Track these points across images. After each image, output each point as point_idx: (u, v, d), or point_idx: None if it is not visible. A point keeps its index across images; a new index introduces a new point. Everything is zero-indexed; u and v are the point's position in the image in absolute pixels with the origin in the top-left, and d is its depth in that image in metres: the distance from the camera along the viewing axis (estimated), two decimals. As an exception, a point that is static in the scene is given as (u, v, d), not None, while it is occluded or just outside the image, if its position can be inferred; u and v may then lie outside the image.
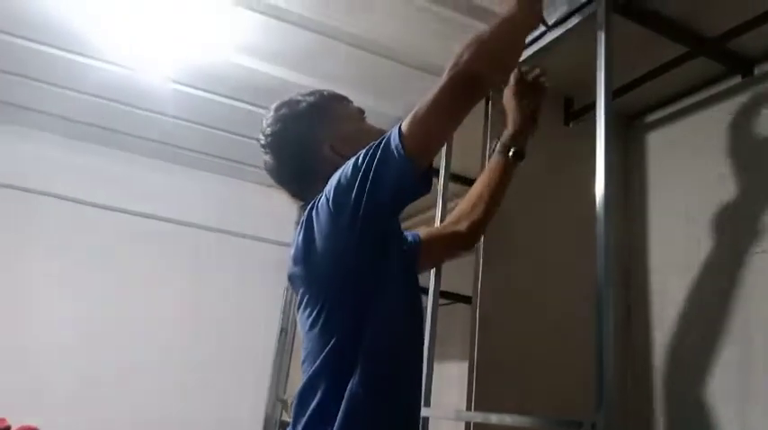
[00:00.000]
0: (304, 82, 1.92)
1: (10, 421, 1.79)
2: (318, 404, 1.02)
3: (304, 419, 1.03)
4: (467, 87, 1.02)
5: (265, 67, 1.98)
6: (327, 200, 1.06)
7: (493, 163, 1.47)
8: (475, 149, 1.79)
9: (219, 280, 2.93)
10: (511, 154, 1.44)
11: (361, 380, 1.01)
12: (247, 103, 2.24)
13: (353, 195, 1.01)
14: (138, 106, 2.38)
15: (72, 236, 2.69)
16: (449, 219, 1.48)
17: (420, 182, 1.02)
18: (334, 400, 1.01)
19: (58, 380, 2.49)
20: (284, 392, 2.79)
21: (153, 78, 2.17)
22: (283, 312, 2.96)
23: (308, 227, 1.10)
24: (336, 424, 0.98)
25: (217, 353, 2.84)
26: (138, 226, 2.80)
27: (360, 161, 1.03)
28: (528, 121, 1.48)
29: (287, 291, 2.98)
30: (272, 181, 3.01)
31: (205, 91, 2.21)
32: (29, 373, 2.44)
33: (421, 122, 1.00)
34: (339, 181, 1.05)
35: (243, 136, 2.52)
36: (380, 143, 1.02)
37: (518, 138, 1.46)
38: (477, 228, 1.44)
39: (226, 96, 2.23)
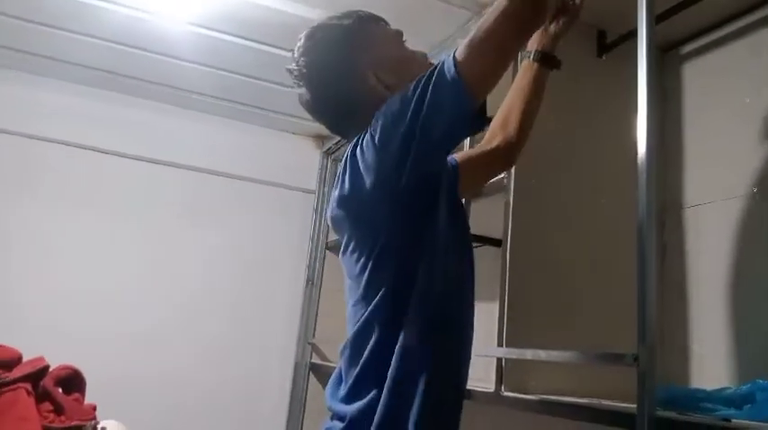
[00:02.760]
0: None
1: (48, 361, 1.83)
2: (373, 350, 1.00)
3: (359, 364, 1.02)
4: (531, 6, 0.94)
5: (288, 5, 1.92)
6: (373, 137, 0.99)
7: (520, 70, 1.37)
8: (501, 85, 1.73)
9: (245, 228, 2.94)
10: (532, 57, 1.34)
11: (415, 323, 0.98)
12: (270, 45, 2.18)
13: (404, 131, 0.94)
14: (155, 51, 2.33)
15: (97, 186, 2.70)
16: (484, 138, 1.37)
17: (477, 115, 0.97)
18: (389, 345, 0.98)
19: (91, 324, 2.54)
20: (313, 336, 2.83)
21: (169, 22, 2.11)
22: (309, 262, 2.97)
23: (353, 166, 1.03)
24: (392, 367, 0.97)
25: (245, 300, 2.88)
26: (159, 174, 2.81)
27: (410, 94, 0.96)
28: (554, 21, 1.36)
29: (313, 238, 2.99)
30: (295, 128, 3.02)
31: (225, 33, 2.15)
32: (62, 317, 2.49)
33: (480, 49, 0.92)
34: (386, 116, 0.98)
35: (265, 80, 2.49)
36: (433, 73, 0.94)
37: (541, 40, 1.35)
38: (513, 142, 1.31)
39: (247, 39, 2.17)
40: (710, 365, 1.52)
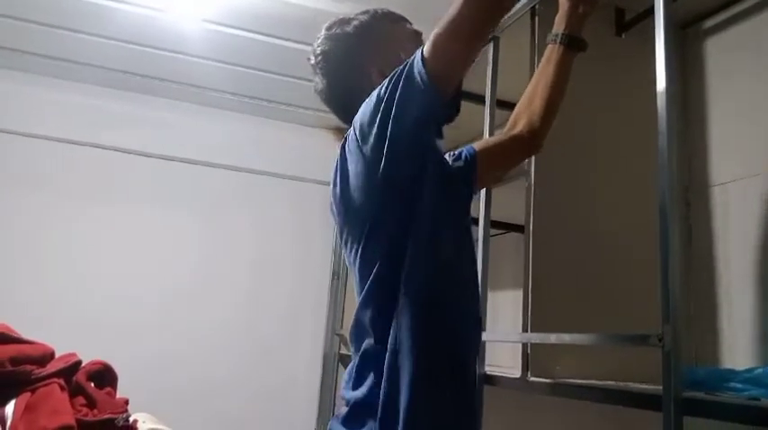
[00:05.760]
0: (345, 10, 1.84)
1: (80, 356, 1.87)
2: (368, 336, 1.03)
3: (360, 350, 1.05)
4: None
5: (302, -2, 1.92)
6: (355, 131, 1.04)
7: (546, 53, 1.35)
8: (522, 72, 1.72)
9: (269, 223, 2.96)
10: (559, 40, 1.32)
11: (405, 305, 1.00)
12: (285, 39, 2.18)
13: (377, 127, 0.98)
14: (170, 49, 2.33)
15: (117, 185, 2.74)
16: (507, 125, 1.37)
17: (446, 107, 0.99)
18: (382, 330, 1.00)
19: (120, 315, 2.60)
20: (341, 327, 2.85)
21: (183, 19, 2.11)
22: (334, 255, 2.99)
23: (343, 161, 1.09)
24: (387, 352, 0.98)
25: (274, 294, 2.90)
26: (179, 173, 2.83)
27: (383, 91, 1.00)
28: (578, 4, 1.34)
29: (335, 234, 3.00)
30: (314, 121, 3.02)
31: (239, 29, 2.15)
32: (95, 314, 2.55)
33: (443, 44, 0.94)
34: (364, 112, 1.02)
35: (282, 74, 2.49)
36: (403, 70, 0.98)
37: (569, 22, 1.33)
38: (537, 128, 1.30)
39: (262, 33, 2.17)
40: (741, 345, 1.49)
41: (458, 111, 1.14)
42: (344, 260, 2.84)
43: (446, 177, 1.13)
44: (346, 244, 1.11)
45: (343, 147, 1.09)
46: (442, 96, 0.97)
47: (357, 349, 1.07)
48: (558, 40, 1.32)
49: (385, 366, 0.98)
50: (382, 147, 0.98)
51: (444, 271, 1.06)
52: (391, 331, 0.99)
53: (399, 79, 0.98)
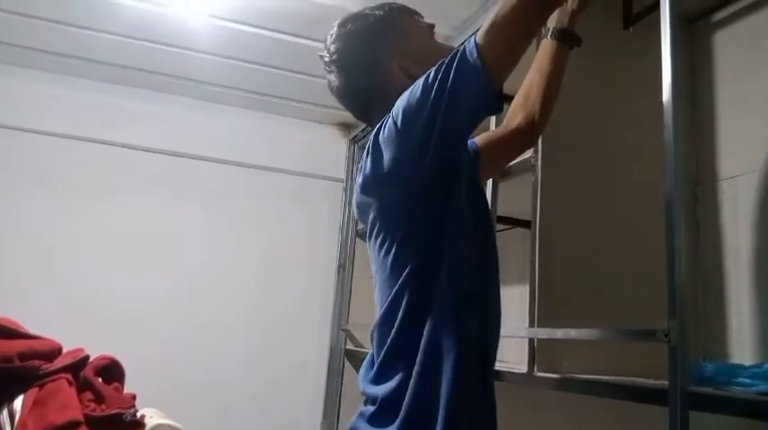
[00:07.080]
0: (350, 6, 1.85)
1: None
2: (399, 330, 1.02)
3: (386, 345, 1.04)
4: None
5: (309, -6, 1.91)
6: (395, 122, 1.00)
7: (540, 47, 1.35)
8: (525, 68, 1.71)
9: (276, 219, 2.97)
10: (549, 34, 1.32)
11: (444, 301, 1.00)
12: (292, 34, 2.18)
13: (426, 115, 0.95)
14: (176, 45, 2.33)
15: (125, 181, 2.75)
16: (505, 118, 1.37)
17: (497, 98, 0.97)
18: (415, 325, 1.00)
19: (128, 312, 2.61)
20: (347, 322, 2.85)
21: (189, 14, 2.11)
22: (340, 248, 2.99)
23: (375, 152, 1.05)
24: (421, 347, 0.98)
25: (281, 289, 2.92)
26: (187, 169, 2.84)
27: (431, 78, 0.96)
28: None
29: (343, 226, 3.00)
30: (321, 117, 3.03)
31: (246, 24, 2.15)
32: (104, 309, 2.57)
33: (500, 31, 0.92)
34: (408, 101, 0.99)
35: (288, 70, 2.49)
36: (454, 58, 0.95)
37: (559, 17, 1.32)
38: (534, 121, 1.30)
39: (268, 29, 2.17)
40: (750, 340, 1.48)
41: (502, 105, 1.11)
42: (350, 252, 2.90)
43: (471, 173, 1.13)
44: (376, 239, 1.09)
45: (375, 140, 1.06)
46: (496, 85, 0.94)
47: (381, 344, 1.06)
48: (549, 35, 1.32)
49: (418, 363, 0.98)
50: (430, 135, 0.96)
51: (479, 269, 1.07)
52: (425, 328, 0.99)
53: (450, 66, 0.94)
